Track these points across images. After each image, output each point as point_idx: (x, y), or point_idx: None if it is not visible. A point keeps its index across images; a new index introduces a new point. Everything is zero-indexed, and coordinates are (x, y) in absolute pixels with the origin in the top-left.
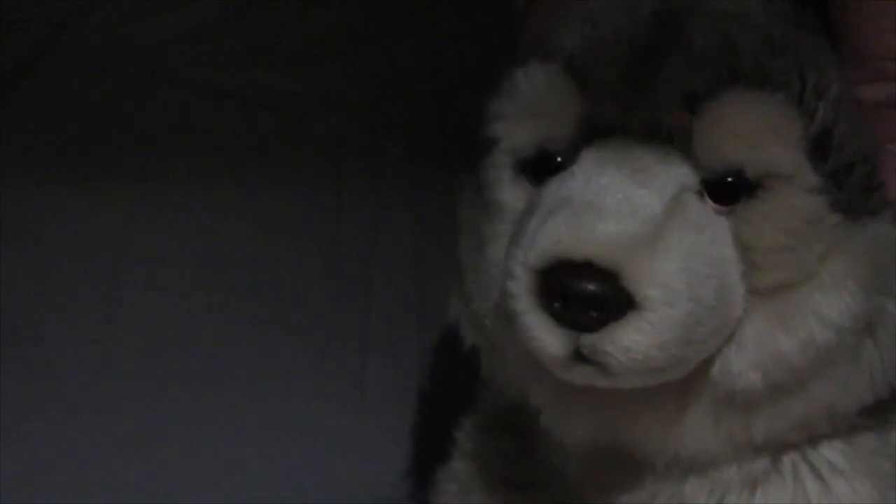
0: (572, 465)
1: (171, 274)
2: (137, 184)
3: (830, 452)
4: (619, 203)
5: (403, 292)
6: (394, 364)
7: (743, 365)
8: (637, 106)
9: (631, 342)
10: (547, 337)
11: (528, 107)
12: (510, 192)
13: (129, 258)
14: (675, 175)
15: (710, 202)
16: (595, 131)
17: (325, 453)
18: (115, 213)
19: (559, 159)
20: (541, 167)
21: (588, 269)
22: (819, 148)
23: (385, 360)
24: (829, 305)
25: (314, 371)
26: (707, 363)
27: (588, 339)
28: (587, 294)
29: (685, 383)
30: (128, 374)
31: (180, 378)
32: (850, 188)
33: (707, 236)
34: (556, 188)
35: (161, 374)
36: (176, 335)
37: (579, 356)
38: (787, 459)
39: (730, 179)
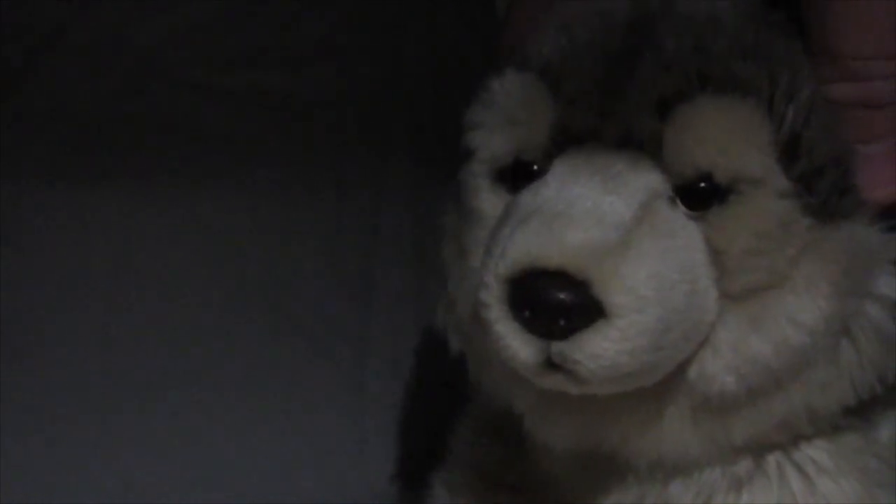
0: (559, 467)
1: (170, 274)
2: (137, 184)
3: (815, 452)
4: (588, 211)
5: (403, 292)
6: (394, 364)
7: (718, 368)
8: (609, 113)
9: (600, 349)
10: (518, 345)
11: (504, 115)
12: (488, 201)
13: (128, 258)
14: (646, 181)
15: (681, 208)
16: (569, 139)
17: (324, 453)
18: (115, 213)
19: (535, 167)
20: (517, 175)
21: (557, 277)
22: (789, 152)
23: (385, 360)
24: (802, 308)
25: (314, 371)
26: (683, 367)
27: (558, 347)
28: (555, 302)
29: (662, 387)
30: (127, 374)
31: (180, 378)
32: (822, 191)
33: (678, 242)
34: (529, 197)
35: (161, 373)
36: (176, 335)
37: (551, 364)
38: (772, 459)
39: (701, 185)
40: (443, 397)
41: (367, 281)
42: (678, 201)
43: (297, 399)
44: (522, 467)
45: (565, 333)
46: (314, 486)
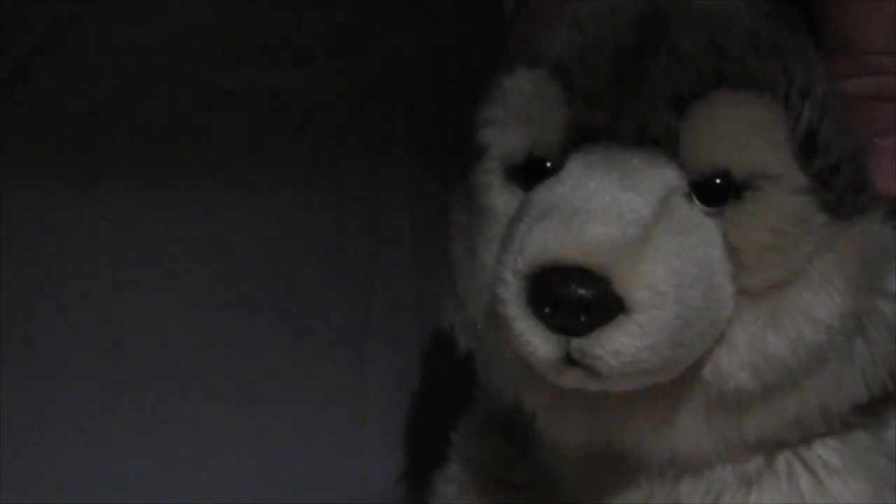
0: (568, 466)
1: (170, 274)
2: (137, 183)
3: (825, 451)
4: (606, 207)
5: (403, 292)
6: (394, 364)
7: (734, 365)
8: (624, 110)
9: (620, 345)
10: (537, 341)
11: (517, 113)
12: (501, 198)
13: (128, 258)
14: (662, 178)
15: (698, 204)
16: (583, 136)
17: (325, 453)
18: (115, 213)
19: (548, 164)
20: (531, 172)
21: (577, 273)
22: (805, 148)
23: (385, 359)
24: (818, 305)
25: (314, 371)
26: (698, 364)
27: (578, 343)
28: (576, 299)
29: (677, 385)
30: (127, 374)
31: (180, 378)
32: (838, 187)
33: (695, 238)
34: (544, 193)
35: (160, 373)
36: (176, 335)
37: (570, 360)
38: (782, 458)
39: (717, 181)
40: (443, 397)
41: (367, 281)
42: (694, 198)
43: (297, 399)
44: (527, 466)
45: (585, 329)
46: (314, 485)
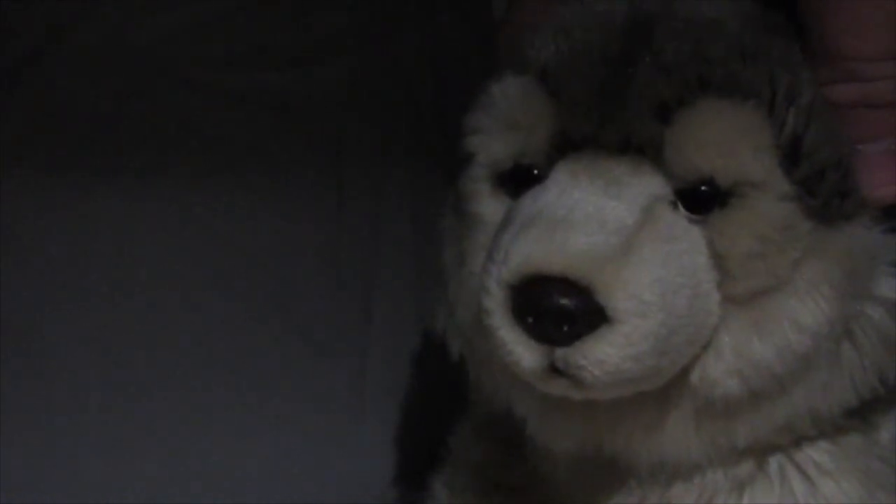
0: (560, 470)
1: (170, 273)
2: (137, 183)
3: (816, 453)
4: (590, 216)
5: (403, 292)
6: (394, 364)
7: (721, 372)
8: (609, 118)
9: (604, 355)
10: (522, 351)
11: (504, 120)
12: (489, 205)
13: (128, 258)
14: (647, 186)
15: (683, 212)
16: (569, 144)
17: (323, 453)
18: (115, 213)
19: (536, 172)
20: (518, 180)
21: (560, 283)
22: (790, 155)
23: (385, 360)
24: (804, 311)
25: (314, 371)
26: (686, 371)
27: (562, 353)
28: (559, 309)
29: (665, 391)
30: (127, 374)
31: (179, 377)
32: (823, 194)
33: (680, 246)
34: (529, 202)
35: (161, 373)
36: (176, 335)
37: (555, 369)
38: (774, 461)
39: (702, 188)
40: (443, 398)
41: (367, 281)
42: (679, 205)
43: (297, 399)
44: (522, 469)
45: (569, 339)
46: (314, 486)
